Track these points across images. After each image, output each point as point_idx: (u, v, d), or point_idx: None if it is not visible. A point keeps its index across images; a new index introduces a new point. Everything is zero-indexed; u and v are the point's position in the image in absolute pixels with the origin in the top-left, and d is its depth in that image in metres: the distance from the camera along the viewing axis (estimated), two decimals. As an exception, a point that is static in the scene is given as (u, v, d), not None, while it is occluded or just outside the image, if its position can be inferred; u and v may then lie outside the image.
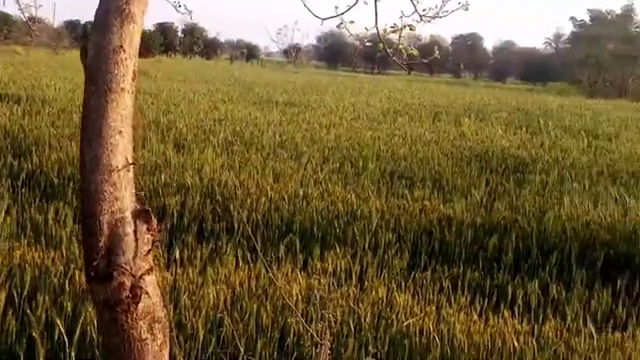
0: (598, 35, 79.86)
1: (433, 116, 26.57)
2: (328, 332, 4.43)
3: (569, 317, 6.72)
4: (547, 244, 9.38)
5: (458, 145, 17.71)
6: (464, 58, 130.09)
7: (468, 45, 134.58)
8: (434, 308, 6.59)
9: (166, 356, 3.70)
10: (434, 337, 5.87)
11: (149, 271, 3.57)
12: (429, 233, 9.49)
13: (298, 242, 8.35)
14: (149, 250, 3.56)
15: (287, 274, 7.04)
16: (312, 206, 10.09)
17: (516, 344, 5.86)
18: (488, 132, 21.62)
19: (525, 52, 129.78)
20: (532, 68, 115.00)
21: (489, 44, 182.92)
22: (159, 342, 3.63)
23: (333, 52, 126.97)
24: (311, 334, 5.38)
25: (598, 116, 31.46)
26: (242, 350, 5.31)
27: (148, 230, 3.55)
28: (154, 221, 3.59)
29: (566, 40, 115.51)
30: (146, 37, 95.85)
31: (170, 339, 3.93)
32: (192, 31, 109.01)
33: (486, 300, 7.03)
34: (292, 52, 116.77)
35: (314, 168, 12.99)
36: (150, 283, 3.56)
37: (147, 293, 3.53)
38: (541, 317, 6.87)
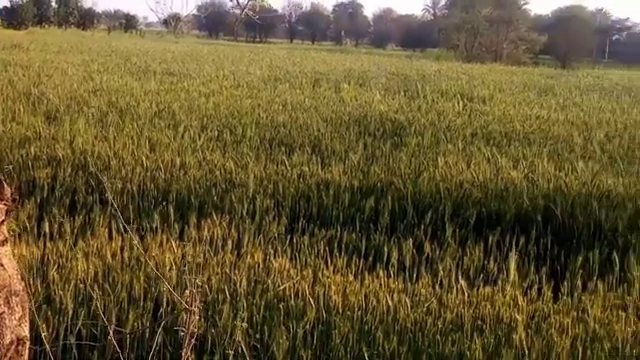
0: (473, 1, 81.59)
1: (313, 83, 26.61)
2: (197, 298, 4.36)
3: (441, 274, 6.86)
4: (422, 204, 9.56)
5: (337, 111, 17.80)
6: (345, 26, 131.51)
7: (349, 13, 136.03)
8: (311, 271, 6.61)
9: (26, 330, 3.56)
10: (310, 300, 5.90)
11: (3, 242, 3.41)
12: (307, 198, 9.53)
13: (174, 211, 8.22)
14: (2, 220, 3.40)
15: (162, 244, 6.92)
16: (190, 175, 9.96)
17: (390, 302, 5.95)
18: (367, 97, 21.80)
19: (404, 19, 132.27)
20: (411, 35, 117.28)
21: (369, 12, 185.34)
22: (17, 316, 3.48)
23: (214, 21, 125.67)
24: (184, 302, 5.31)
25: (473, 80, 32.21)
26: (113, 321, 5.19)
27: (0, 200, 3.39)
28: (7, 190, 3.42)
29: (443, 6, 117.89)
30: (19, 9, 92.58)
31: (32, 313, 3.80)
32: (67, 1, 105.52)
33: (362, 261, 7.09)
34: (172, 22, 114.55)
35: (192, 137, 12.81)
36: (5, 255, 3.41)
37: (2, 265, 3.38)
38: (415, 275, 6.99)
